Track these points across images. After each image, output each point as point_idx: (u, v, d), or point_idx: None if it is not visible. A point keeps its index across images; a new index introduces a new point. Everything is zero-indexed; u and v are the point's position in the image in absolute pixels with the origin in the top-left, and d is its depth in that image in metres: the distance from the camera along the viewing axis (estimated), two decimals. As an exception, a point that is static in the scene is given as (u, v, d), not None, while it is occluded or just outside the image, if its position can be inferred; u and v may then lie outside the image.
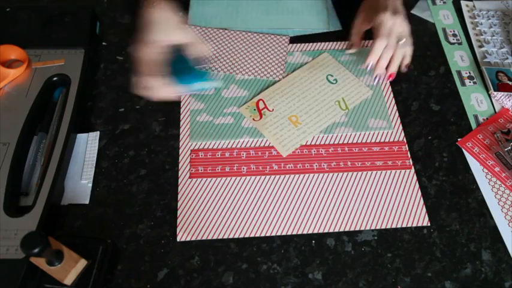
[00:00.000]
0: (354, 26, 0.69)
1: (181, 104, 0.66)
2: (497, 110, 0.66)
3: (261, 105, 0.66)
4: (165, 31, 0.59)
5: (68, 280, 0.47)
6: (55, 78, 0.65)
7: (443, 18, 0.77)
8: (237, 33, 0.73)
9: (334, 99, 0.66)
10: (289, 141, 0.62)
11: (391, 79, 0.66)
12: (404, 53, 0.64)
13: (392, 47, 0.63)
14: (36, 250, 0.43)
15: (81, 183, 0.59)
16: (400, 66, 0.65)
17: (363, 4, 0.69)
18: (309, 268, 0.53)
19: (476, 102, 0.67)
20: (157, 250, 0.54)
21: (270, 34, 0.73)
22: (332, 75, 0.69)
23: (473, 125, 0.65)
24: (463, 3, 0.79)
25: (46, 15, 0.70)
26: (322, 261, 0.54)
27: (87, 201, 0.58)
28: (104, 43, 0.73)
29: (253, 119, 0.64)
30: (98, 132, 0.63)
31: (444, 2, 0.79)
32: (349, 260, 0.54)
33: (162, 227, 0.56)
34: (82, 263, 0.49)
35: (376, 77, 0.65)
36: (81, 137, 0.63)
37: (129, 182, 0.59)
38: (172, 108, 0.66)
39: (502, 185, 0.59)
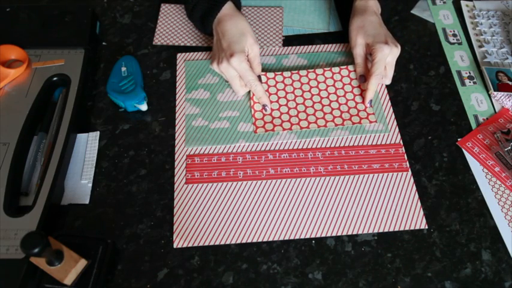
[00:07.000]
0: (358, 56, 0.66)
1: (176, 109, 0.66)
2: (497, 110, 0.66)
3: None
4: (245, 43, 0.63)
5: (68, 280, 0.47)
6: (55, 78, 0.65)
7: (443, 18, 0.77)
8: None
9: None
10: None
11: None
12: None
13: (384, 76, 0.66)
14: (36, 250, 0.43)
15: (81, 183, 0.59)
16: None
17: (355, 29, 0.66)
18: (309, 268, 0.53)
19: (476, 102, 0.67)
20: (157, 250, 0.54)
21: (263, 6, 0.73)
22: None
23: (473, 125, 0.65)
24: (463, 3, 0.79)
25: (46, 15, 0.70)
26: (322, 261, 0.54)
27: (87, 201, 0.58)
28: (104, 43, 0.73)
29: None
30: (98, 132, 0.63)
31: (444, 2, 0.79)
32: (349, 260, 0.54)
33: (162, 227, 0.56)
34: (82, 263, 0.49)
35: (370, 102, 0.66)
36: (81, 137, 0.63)
37: (129, 182, 0.59)
38: (172, 108, 0.66)
39: (502, 185, 0.59)
